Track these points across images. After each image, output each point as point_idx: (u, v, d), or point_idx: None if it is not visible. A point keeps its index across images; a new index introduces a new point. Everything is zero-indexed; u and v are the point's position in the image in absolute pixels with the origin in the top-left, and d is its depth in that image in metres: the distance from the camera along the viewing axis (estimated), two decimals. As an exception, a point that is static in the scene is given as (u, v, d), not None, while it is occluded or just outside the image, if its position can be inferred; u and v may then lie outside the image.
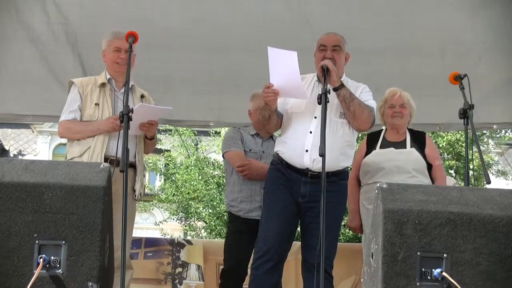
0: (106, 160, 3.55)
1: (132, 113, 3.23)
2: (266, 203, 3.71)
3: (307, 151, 3.54)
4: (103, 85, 3.78)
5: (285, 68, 3.39)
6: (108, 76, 3.81)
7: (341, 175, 3.66)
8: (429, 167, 4.11)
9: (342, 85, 3.54)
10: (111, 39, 3.80)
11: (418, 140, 4.15)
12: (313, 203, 3.48)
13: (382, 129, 4.27)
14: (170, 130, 15.89)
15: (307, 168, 3.56)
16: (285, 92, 3.48)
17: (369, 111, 3.63)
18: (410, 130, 4.22)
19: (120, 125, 3.26)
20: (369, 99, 3.71)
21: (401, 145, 4.12)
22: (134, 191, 3.72)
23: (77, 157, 3.65)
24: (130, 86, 3.81)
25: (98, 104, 3.72)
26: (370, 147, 4.17)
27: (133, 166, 3.71)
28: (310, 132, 3.55)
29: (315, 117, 3.58)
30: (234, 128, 4.56)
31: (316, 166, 3.50)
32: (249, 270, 4.26)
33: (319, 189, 3.16)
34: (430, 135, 12.86)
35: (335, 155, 3.55)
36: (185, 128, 14.83)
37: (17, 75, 5.05)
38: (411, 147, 4.11)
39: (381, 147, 4.14)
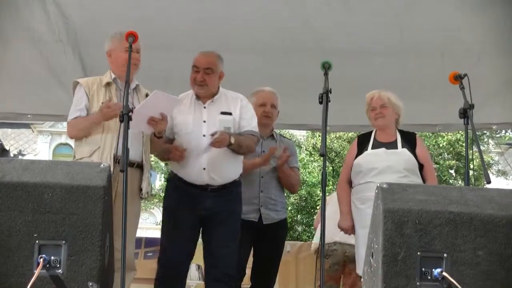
0: (116, 160, 3.55)
1: (131, 110, 3.23)
2: (168, 220, 3.83)
3: (204, 169, 3.72)
4: (108, 84, 3.77)
5: (157, 107, 3.58)
6: (113, 76, 3.80)
7: (235, 184, 3.86)
8: (420, 167, 4.11)
9: (231, 143, 3.70)
10: (121, 39, 3.71)
11: (409, 140, 4.16)
12: (216, 213, 3.74)
13: (372, 130, 4.27)
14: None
15: (207, 184, 3.74)
16: (133, 123, 3.43)
17: (255, 140, 3.90)
18: (400, 131, 4.23)
19: (120, 125, 3.25)
20: (252, 122, 3.89)
21: (392, 145, 4.13)
22: (141, 190, 3.73)
23: (86, 157, 3.62)
24: (135, 86, 3.84)
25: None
26: (361, 148, 4.17)
27: (140, 165, 3.71)
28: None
29: (204, 135, 3.74)
30: None
31: (216, 182, 3.73)
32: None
33: (221, 200, 3.70)
34: (430, 135, 12.88)
35: (229, 169, 3.81)
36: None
37: (17, 75, 5.06)
38: (402, 147, 4.12)
39: (372, 148, 4.15)
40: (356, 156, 4.15)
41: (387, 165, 4.01)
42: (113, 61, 3.81)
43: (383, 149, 4.11)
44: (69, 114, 3.77)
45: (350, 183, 4.20)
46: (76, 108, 3.73)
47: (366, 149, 4.14)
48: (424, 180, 4.08)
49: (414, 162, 4.06)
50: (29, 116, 5.47)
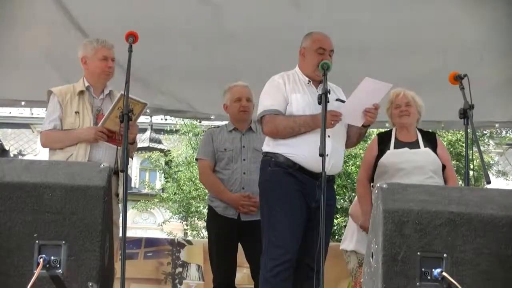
0: None
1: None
2: (281, 208, 3.55)
3: (327, 155, 3.38)
4: (81, 92, 3.80)
5: (367, 96, 3.46)
6: (87, 84, 3.83)
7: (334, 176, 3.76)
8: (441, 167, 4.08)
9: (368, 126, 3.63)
10: (97, 46, 3.81)
11: (430, 140, 4.12)
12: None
13: (392, 129, 4.23)
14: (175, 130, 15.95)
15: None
16: (346, 117, 3.51)
17: None
18: (420, 130, 4.20)
19: (121, 125, 3.26)
20: None
21: (414, 145, 4.08)
22: (118, 195, 3.74)
23: None
24: (108, 92, 3.85)
25: (78, 112, 3.75)
26: (382, 148, 4.11)
27: (115, 172, 3.72)
28: (328, 136, 3.41)
29: None
30: (209, 129, 4.57)
31: (333, 170, 3.51)
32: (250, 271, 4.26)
33: (330, 192, 3.39)
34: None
35: (341, 159, 3.68)
36: (190, 128, 15.01)
37: (13, 61, 5.07)
38: (424, 147, 4.08)
39: (394, 148, 4.09)
40: (378, 155, 4.10)
41: (414, 166, 3.95)
42: (89, 69, 3.84)
43: (406, 149, 4.06)
44: (43, 124, 3.80)
45: (369, 181, 4.16)
46: (50, 119, 3.77)
47: (388, 149, 4.09)
48: (445, 181, 4.03)
49: (438, 163, 4.02)
50: (22, 103, 5.48)
